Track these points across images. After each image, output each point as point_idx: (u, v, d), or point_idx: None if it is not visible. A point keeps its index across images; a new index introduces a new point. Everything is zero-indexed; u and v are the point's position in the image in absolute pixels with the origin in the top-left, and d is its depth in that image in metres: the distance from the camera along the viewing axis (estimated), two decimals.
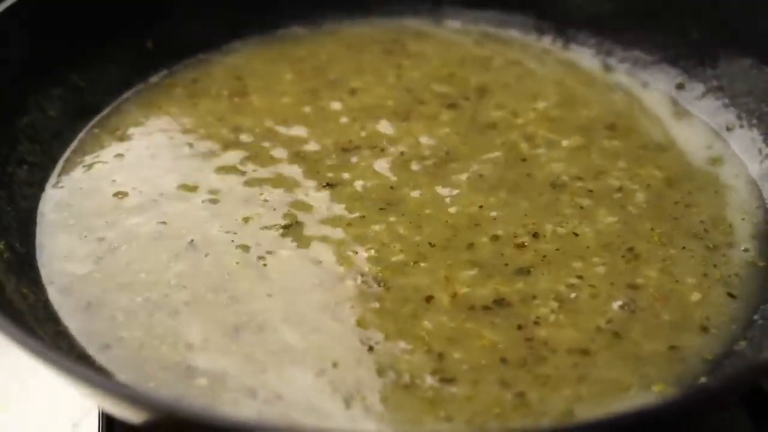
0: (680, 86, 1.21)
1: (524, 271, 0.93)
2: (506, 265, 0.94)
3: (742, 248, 0.97)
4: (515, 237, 0.97)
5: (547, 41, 1.33)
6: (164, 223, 0.99)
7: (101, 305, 0.90)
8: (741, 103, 1.15)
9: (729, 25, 1.18)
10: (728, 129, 1.13)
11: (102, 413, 0.90)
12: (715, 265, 0.94)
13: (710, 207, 1.02)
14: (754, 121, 1.12)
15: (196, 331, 0.87)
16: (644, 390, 0.82)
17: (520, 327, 0.87)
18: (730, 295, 0.92)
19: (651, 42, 1.25)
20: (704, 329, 0.88)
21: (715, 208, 1.02)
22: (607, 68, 1.27)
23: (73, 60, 1.16)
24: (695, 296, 0.91)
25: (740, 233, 0.99)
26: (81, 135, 1.13)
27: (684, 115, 1.17)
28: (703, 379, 0.83)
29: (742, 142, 1.11)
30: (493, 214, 1.00)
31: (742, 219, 1.01)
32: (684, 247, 0.96)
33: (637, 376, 0.83)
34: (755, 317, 0.90)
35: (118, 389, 0.75)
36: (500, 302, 0.90)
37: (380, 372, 0.83)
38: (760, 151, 1.09)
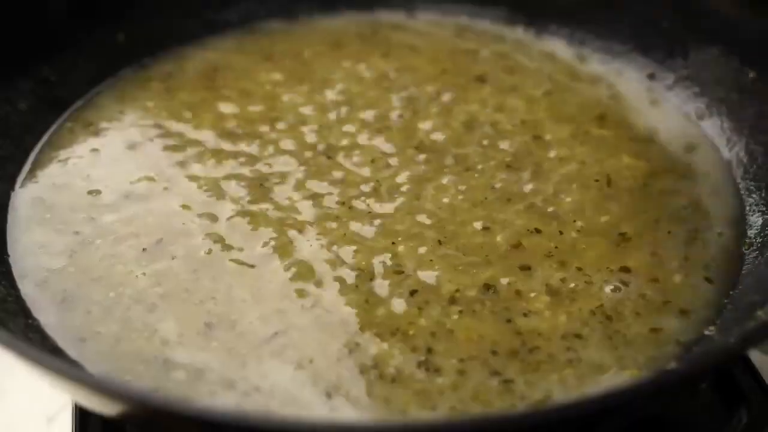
0: (651, 76, 1.23)
1: (524, 267, 0.93)
2: (500, 258, 0.93)
3: (718, 232, 0.99)
4: (504, 228, 0.97)
5: (519, 32, 1.34)
6: (139, 218, 0.98)
7: (77, 299, 0.90)
8: (710, 92, 1.16)
9: (697, 15, 1.20)
10: (699, 117, 1.15)
11: (76, 408, 0.89)
12: (695, 250, 0.96)
13: (690, 193, 1.03)
14: (723, 109, 1.14)
15: (172, 326, 0.86)
16: (620, 373, 0.83)
17: (509, 321, 0.87)
18: (707, 279, 0.93)
19: (622, 32, 1.27)
20: (683, 312, 0.89)
21: (694, 194, 1.03)
22: (581, 58, 1.28)
23: (42, 53, 1.15)
24: (677, 278, 0.93)
25: (716, 219, 1.00)
26: (54, 129, 1.12)
27: (658, 104, 1.19)
28: (672, 364, 0.84)
29: (714, 129, 1.13)
30: (487, 208, 1.00)
31: (718, 205, 1.02)
32: (669, 232, 0.98)
33: (618, 359, 0.84)
34: (726, 302, 0.91)
35: (87, 378, 0.74)
36: (493, 295, 0.89)
37: (364, 365, 0.83)
38: (728, 139, 1.11)
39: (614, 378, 0.83)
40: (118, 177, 1.04)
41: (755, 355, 0.87)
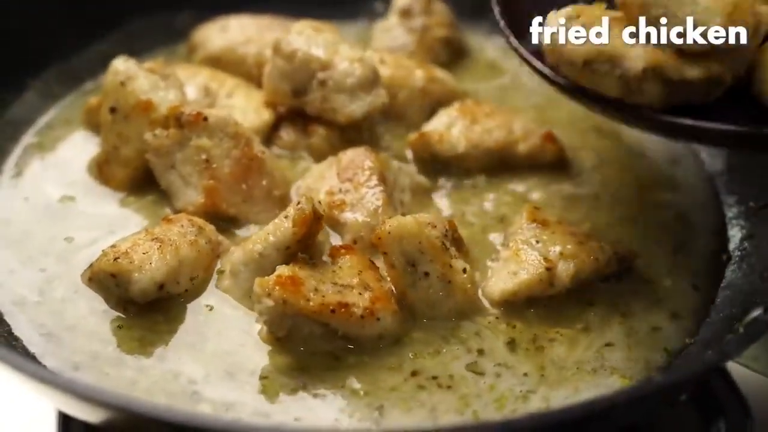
0: None
1: None
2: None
3: (702, 242, 1.02)
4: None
5: None
6: None
7: None
8: None
9: None
10: None
11: (60, 414, 0.89)
12: (681, 259, 0.99)
13: (677, 206, 1.06)
14: None
15: (197, 370, 0.87)
16: (606, 377, 0.88)
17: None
18: (694, 286, 0.97)
19: None
20: (674, 315, 0.94)
21: (682, 207, 1.06)
22: None
23: None
24: (667, 282, 0.97)
25: (701, 231, 1.04)
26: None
27: None
28: (654, 375, 0.88)
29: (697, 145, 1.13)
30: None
31: (703, 217, 1.05)
32: (658, 240, 1.01)
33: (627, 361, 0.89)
34: (711, 311, 0.94)
35: (70, 386, 0.75)
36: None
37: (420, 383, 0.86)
38: (710, 153, 1.12)
39: (604, 385, 0.87)
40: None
41: (734, 367, 0.88)
